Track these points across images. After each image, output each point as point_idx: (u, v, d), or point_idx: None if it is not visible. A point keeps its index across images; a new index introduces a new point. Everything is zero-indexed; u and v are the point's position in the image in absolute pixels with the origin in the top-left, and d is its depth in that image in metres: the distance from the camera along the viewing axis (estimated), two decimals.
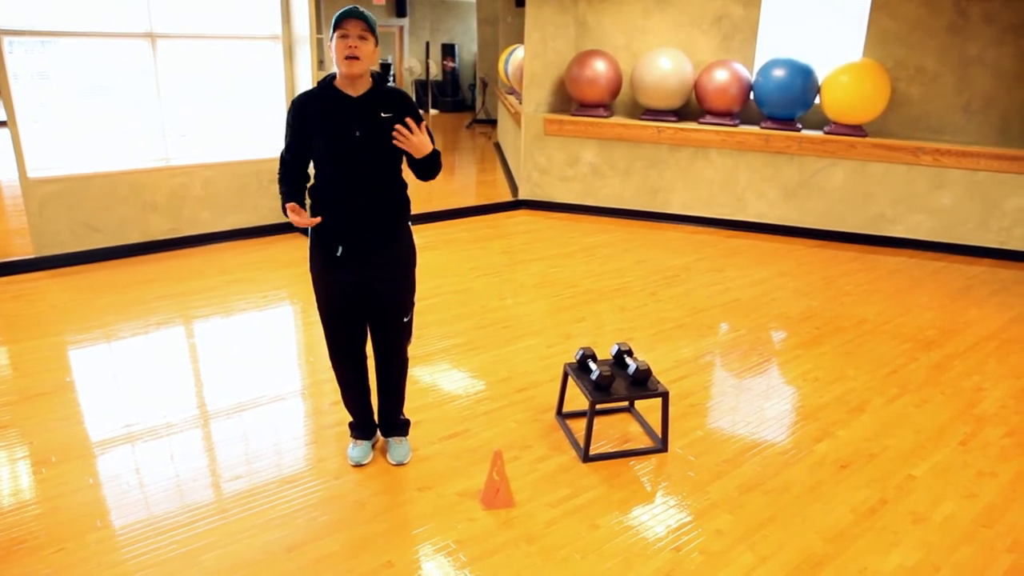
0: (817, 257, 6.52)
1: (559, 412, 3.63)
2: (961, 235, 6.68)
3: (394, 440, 3.24)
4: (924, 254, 6.70)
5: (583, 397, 3.62)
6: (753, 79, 7.17)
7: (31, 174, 5.40)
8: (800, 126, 7.07)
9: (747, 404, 3.84)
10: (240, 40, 6.34)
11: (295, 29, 6.30)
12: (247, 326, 4.68)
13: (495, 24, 14.71)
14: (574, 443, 3.37)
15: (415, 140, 2.70)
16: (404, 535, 2.76)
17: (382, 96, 2.80)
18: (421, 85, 17.11)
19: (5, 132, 5.50)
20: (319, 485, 3.04)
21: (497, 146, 12.33)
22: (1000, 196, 6.48)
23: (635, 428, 3.56)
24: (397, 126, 2.68)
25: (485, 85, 15.56)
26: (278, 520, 2.82)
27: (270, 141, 6.51)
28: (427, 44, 17.05)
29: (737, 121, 7.24)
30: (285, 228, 6.65)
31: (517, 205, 7.97)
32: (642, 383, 3.33)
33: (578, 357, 3.49)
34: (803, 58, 6.91)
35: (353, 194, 2.79)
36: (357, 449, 3.20)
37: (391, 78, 17.30)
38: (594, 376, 3.29)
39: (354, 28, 2.64)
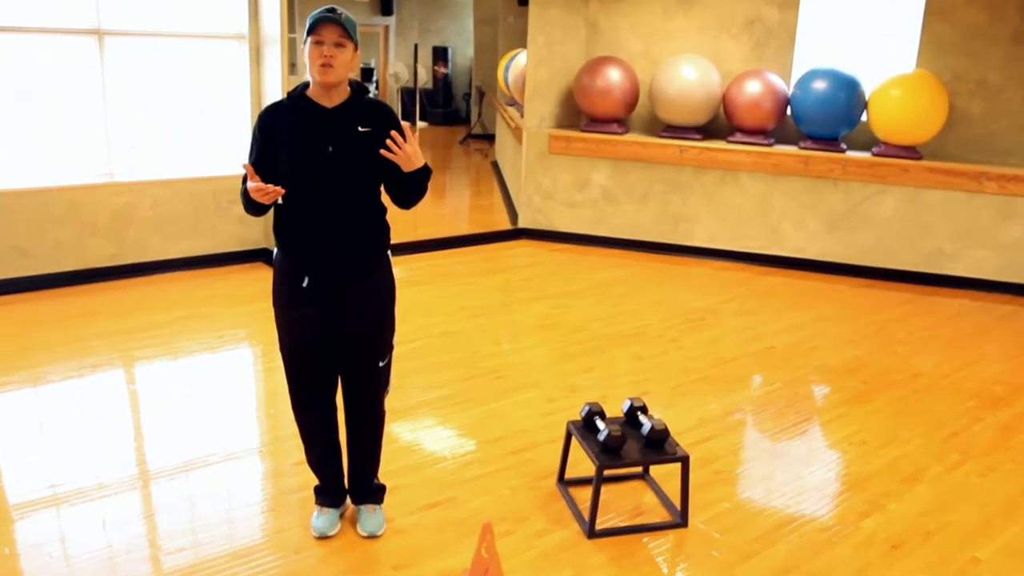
0: (865, 299, 6.53)
1: (560, 479, 3.60)
2: None
3: (366, 508, 3.21)
4: (990, 296, 6.71)
5: (589, 461, 3.59)
6: (790, 92, 7.26)
7: None
8: (844, 146, 7.14)
9: (782, 471, 3.82)
10: (201, 39, 6.42)
11: (264, 28, 6.39)
12: (198, 371, 4.66)
13: (494, 25, 14.90)
14: (578, 515, 3.34)
15: (408, 150, 2.72)
16: None
17: (361, 108, 2.84)
18: (408, 94, 17.28)
19: None
20: (276, 561, 3.00)
21: (495, 165, 12.43)
22: None
23: (650, 498, 3.53)
24: (393, 133, 2.70)
25: (482, 95, 15.74)
26: None
27: (231, 156, 6.56)
28: (415, 47, 17.26)
29: (772, 140, 7.31)
30: (245, 257, 6.66)
31: (516, 234, 8.01)
32: (658, 445, 3.31)
33: (583, 414, 3.48)
34: (847, 69, 7.00)
35: (323, 218, 2.80)
36: (322, 518, 3.17)
37: (374, 85, 17.50)
38: (602, 436, 3.27)
39: (330, 34, 2.68)
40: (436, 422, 4.14)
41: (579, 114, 7.98)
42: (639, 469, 3.69)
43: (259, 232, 6.67)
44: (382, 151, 2.72)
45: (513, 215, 8.44)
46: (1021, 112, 6.95)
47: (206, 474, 3.56)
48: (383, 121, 2.84)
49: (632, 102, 7.59)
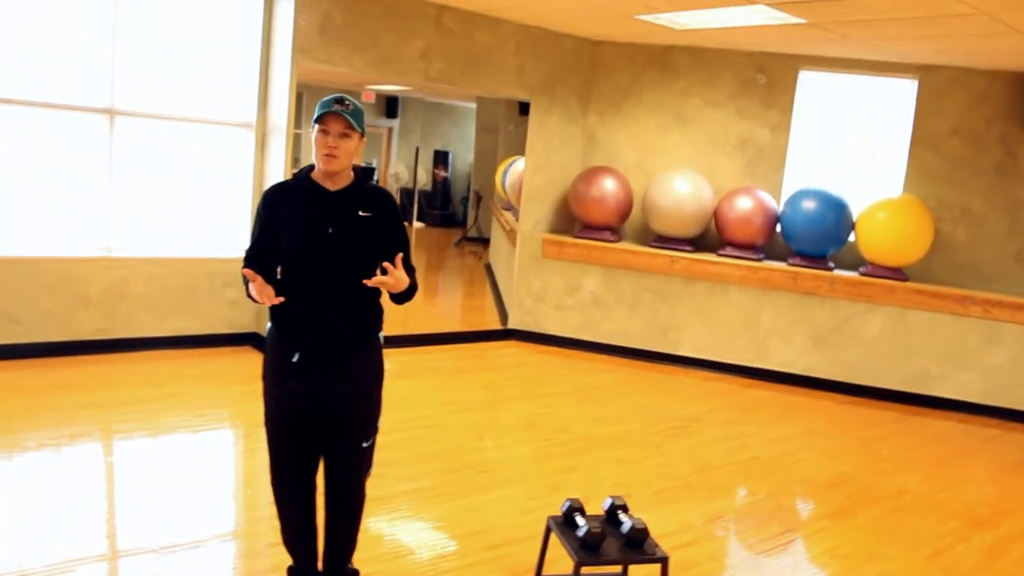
0: (850, 415, 6.55)
1: (538, 575, 3.53)
2: (1018, 399, 6.75)
3: None
4: (975, 418, 6.73)
5: (567, 558, 3.54)
6: (780, 210, 7.45)
7: None
8: (832, 265, 7.28)
9: None
10: (210, 125, 6.60)
11: (271, 118, 6.58)
12: (177, 448, 4.61)
13: (495, 133, 15.32)
14: None
15: (390, 281, 2.80)
16: None
17: (363, 193, 2.94)
18: (408, 194, 17.60)
19: None
20: None
21: (488, 268, 12.58)
22: None
23: None
24: (385, 264, 2.78)
25: (479, 199, 16.04)
26: None
27: (229, 239, 6.64)
28: (417, 149, 17.66)
29: (761, 255, 7.46)
30: (235, 340, 6.67)
31: (506, 335, 8.05)
32: (638, 545, 3.27)
33: (564, 509, 3.44)
34: (836, 190, 7.21)
35: (319, 296, 2.85)
36: None
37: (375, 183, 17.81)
38: (581, 533, 3.23)
39: (336, 125, 2.79)
40: (414, 513, 4.08)
41: (573, 220, 8.14)
42: (618, 570, 3.63)
43: (249, 316, 6.70)
44: (365, 281, 2.79)
45: (503, 316, 8.50)
46: (1004, 240, 7.14)
47: (178, 552, 3.49)
48: (383, 206, 2.96)
49: (625, 211, 7.76)
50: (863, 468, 5.35)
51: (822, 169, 7.74)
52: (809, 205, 7.15)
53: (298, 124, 6.84)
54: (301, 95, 12.36)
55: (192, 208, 6.68)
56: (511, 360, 7.34)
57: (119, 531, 3.62)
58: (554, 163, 8.05)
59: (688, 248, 7.61)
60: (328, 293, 2.86)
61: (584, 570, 3.28)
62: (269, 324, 2.97)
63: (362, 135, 2.87)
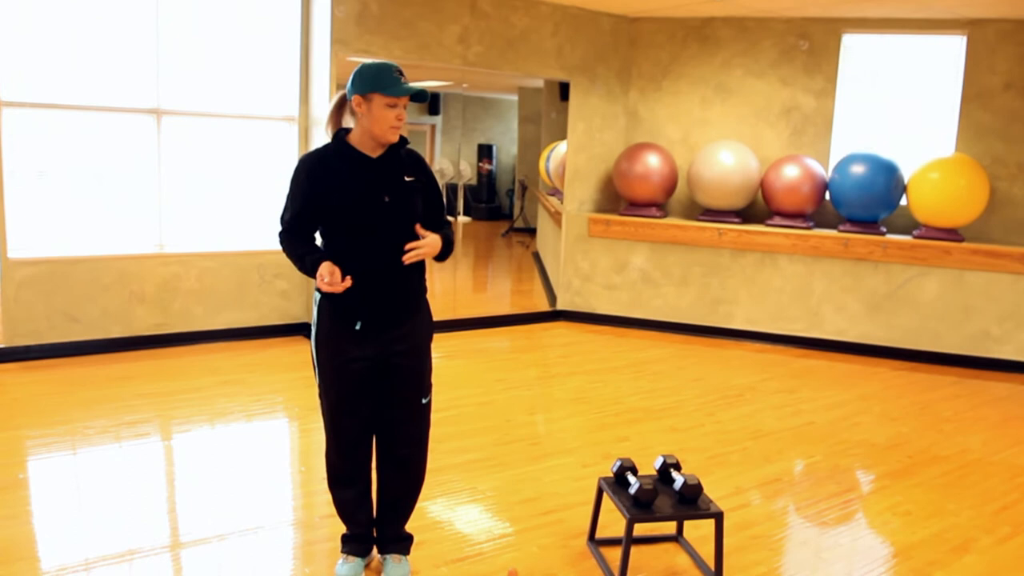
0: (907, 380, 6.39)
1: (591, 537, 3.52)
2: None
3: (392, 559, 3.16)
4: None
5: (621, 520, 3.52)
6: (829, 177, 7.31)
7: (11, 254, 5.64)
8: (884, 229, 7.12)
9: (822, 538, 3.69)
10: (253, 120, 6.70)
11: (313, 111, 6.66)
12: (233, 431, 4.69)
13: (537, 122, 15.30)
14: (608, 574, 3.25)
15: (426, 250, 2.88)
16: None
17: (404, 158, 2.98)
18: (452, 189, 17.71)
19: None
20: None
21: (536, 256, 12.57)
22: None
23: (683, 560, 3.43)
24: (419, 230, 2.88)
25: (524, 189, 16.03)
26: None
27: (277, 231, 6.71)
28: (459, 145, 17.77)
29: (811, 223, 7.32)
30: (287, 330, 6.76)
31: (555, 316, 8.04)
32: (691, 501, 3.24)
33: (615, 469, 3.42)
34: (886, 153, 7.05)
35: (378, 264, 2.89)
36: (347, 566, 3.12)
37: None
38: (633, 490, 3.21)
39: (404, 99, 2.85)
40: (466, 483, 4.09)
41: (618, 199, 8.10)
42: (672, 530, 3.60)
43: (300, 307, 6.79)
44: (403, 258, 2.85)
45: (552, 299, 8.48)
46: None
47: (236, 523, 3.55)
48: (422, 169, 3.06)
49: (670, 187, 7.69)
50: (923, 429, 5.22)
51: (871, 133, 7.56)
52: (858, 170, 6.99)
53: None
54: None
55: (239, 202, 6.79)
56: (561, 339, 7.32)
57: (178, 511, 3.70)
58: (596, 142, 8.01)
59: (736, 220, 7.51)
60: (385, 259, 2.89)
61: (637, 528, 3.26)
62: (317, 295, 2.99)
63: None
